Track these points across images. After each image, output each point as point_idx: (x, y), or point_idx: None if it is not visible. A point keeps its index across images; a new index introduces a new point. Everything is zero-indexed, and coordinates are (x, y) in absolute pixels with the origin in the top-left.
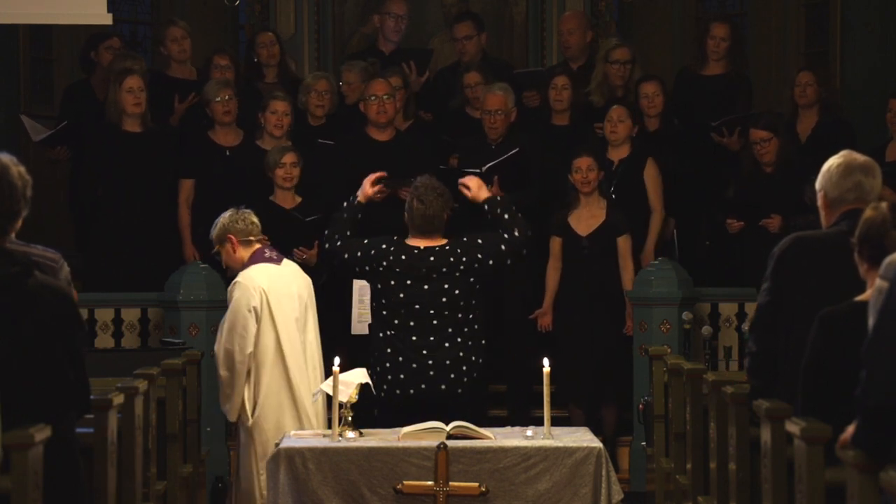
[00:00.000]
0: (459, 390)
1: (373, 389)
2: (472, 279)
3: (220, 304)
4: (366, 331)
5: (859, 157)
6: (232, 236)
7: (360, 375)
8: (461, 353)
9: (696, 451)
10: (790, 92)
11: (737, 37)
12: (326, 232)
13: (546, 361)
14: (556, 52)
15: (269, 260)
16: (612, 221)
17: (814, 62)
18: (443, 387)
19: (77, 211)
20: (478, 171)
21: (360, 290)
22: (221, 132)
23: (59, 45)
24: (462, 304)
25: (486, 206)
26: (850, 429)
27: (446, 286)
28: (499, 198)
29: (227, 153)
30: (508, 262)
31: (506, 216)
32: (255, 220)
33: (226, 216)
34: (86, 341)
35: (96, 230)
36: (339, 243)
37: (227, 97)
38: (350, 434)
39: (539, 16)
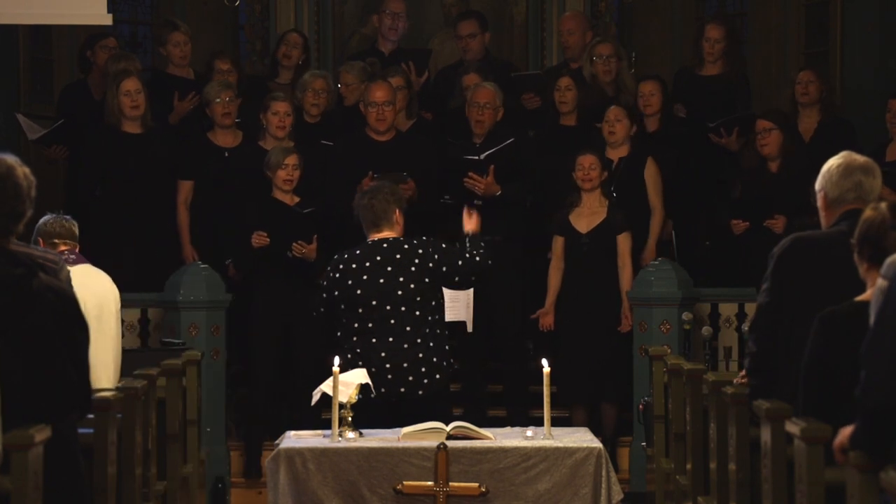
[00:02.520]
0: (420, 392)
1: (372, 390)
2: (427, 279)
3: (220, 305)
4: None
5: (859, 158)
6: (40, 238)
7: (359, 376)
8: (420, 355)
9: (696, 451)
10: (790, 91)
11: (733, 37)
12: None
13: (545, 362)
14: (556, 52)
15: None
16: (612, 220)
17: (814, 62)
18: (402, 390)
19: (75, 212)
20: (477, 157)
21: None
22: (220, 133)
23: (59, 45)
24: (419, 300)
25: (468, 235)
26: (845, 432)
27: (401, 279)
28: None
29: (226, 154)
30: (457, 279)
31: (480, 244)
32: (69, 225)
33: (42, 220)
34: (87, 343)
35: (96, 231)
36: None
37: (227, 99)
38: (350, 434)
39: (539, 16)
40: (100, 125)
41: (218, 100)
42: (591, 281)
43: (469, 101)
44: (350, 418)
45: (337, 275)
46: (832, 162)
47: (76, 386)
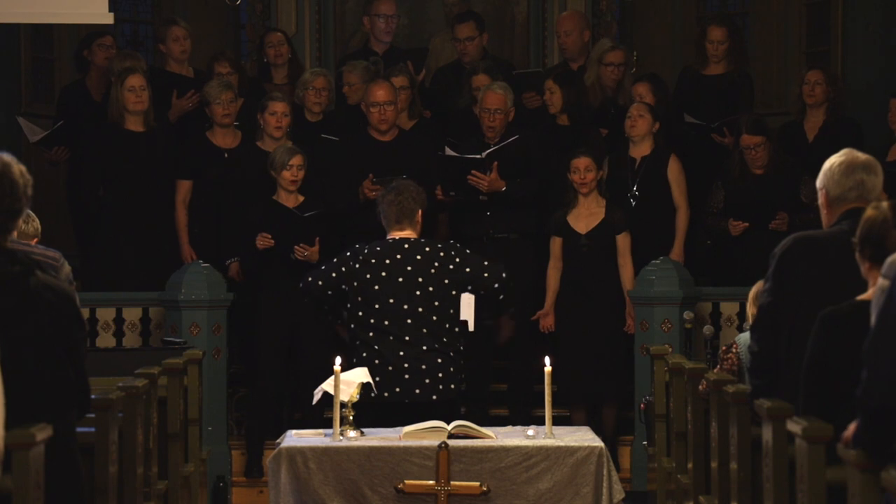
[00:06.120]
0: (434, 397)
1: (373, 389)
2: (446, 281)
3: (221, 304)
4: None
5: (861, 156)
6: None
7: (361, 375)
8: (439, 360)
9: (698, 450)
10: (798, 90)
11: (736, 37)
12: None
13: (547, 361)
14: (556, 51)
15: None
16: (610, 219)
17: (815, 62)
18: (417, 391)
19: (77, 211)
20: (479, 155)
21: None
22: (220, 133)
23: (60, 45)
24: (437, 304)
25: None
26: (852, 427)
27: (420, 279)
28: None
29: (226, 155)
30: (482, 293)
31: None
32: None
33: None
34: (86, 341)
35: (98, 230)
36: (317, 282)
37: (227, 99)
38: (351, 433)
39: (540, 15)
40: (102, 124)
41: (218, 101)
42: (591, 281)
43: (480, 106)
44: (352, 417)
45: (356, 265)
46: (834, 160)
47: (75, 385)
